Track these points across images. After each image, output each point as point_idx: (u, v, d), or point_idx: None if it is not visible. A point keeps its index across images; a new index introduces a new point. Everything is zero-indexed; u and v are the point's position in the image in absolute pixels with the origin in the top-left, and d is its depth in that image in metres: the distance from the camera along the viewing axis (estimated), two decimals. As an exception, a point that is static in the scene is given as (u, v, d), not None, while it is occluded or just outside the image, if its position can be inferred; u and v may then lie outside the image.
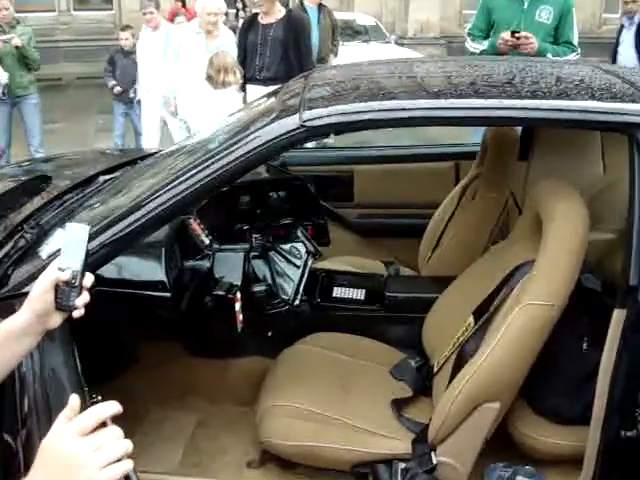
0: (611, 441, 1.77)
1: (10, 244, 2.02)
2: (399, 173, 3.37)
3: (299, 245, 2.36)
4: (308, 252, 2.37)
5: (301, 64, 5.07)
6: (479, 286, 2.24)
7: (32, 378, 1.40)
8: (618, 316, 1.71)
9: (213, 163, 1.76)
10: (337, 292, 2.63)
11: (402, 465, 2.01)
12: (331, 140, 4.91)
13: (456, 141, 3.47)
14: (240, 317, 2.07)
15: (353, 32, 10.33)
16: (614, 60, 6.10)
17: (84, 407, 1.04)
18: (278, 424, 2.12)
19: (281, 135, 1.74)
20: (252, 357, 2.62)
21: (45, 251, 1.87)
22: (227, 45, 5.00)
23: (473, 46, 4.31)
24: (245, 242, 2.32)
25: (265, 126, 1.79)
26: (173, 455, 2.32)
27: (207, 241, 2.24)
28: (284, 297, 2.17)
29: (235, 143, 1.79)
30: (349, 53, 8.07)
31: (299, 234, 2.40)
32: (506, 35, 3.90)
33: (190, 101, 4.84)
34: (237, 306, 2.05)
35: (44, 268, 1.72)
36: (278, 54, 5.07)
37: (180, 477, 2.09)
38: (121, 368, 2.25)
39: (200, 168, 1.77)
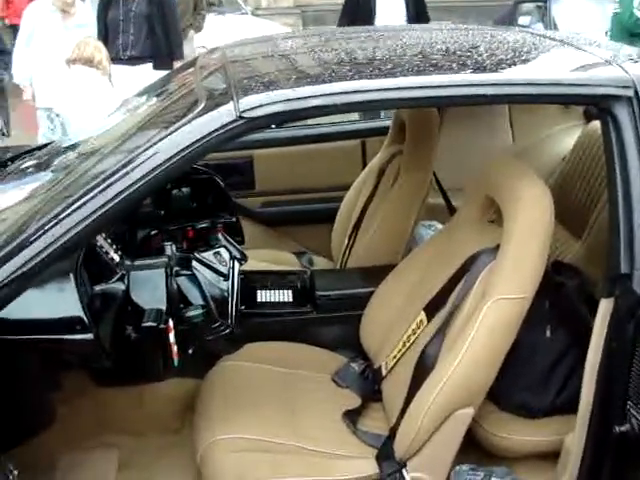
0: (601, 437, 1.64)
1: None
2: (302, 155, 3.13)
3: (222, 251, 2.05)
4: (233, 258, 2.07)
5: (169, 41, 4.69)
6: (425, 277, 2.06)
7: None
8: (605, 306, 1.57)
9: (133, 170, 1.44)
10: (262, 296, 2.36)
11: (372, 488, 1.81)
12: None
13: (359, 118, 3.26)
14: (175, 349, 1.76)
15: (206, 4, 9.86)
16: None
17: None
18: (225, 462, 1.83)
19: (215, 130, 1.44)
20: (171, 380, 2.30)
21: None
22: (87, 23, 4.52)
23: None
24: (158, 253, 1.99)
25: (193, 120, 1.48)
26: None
27: (117, 258, 1.89)
28: (222, 318, 1.86)
29: (156, 143, 1.48)
30: (206, 26, 7.64)
31: (220, 238, 2.09)
32: None
33: (52, 87, 4.33)
34: (171, 337, 1.74)
35: None
36: (143, 31, 4.67)
37: None
38: (44, 423, 1.87)
39: (116, 177, 1.44)
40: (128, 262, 1.90)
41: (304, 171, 3.11)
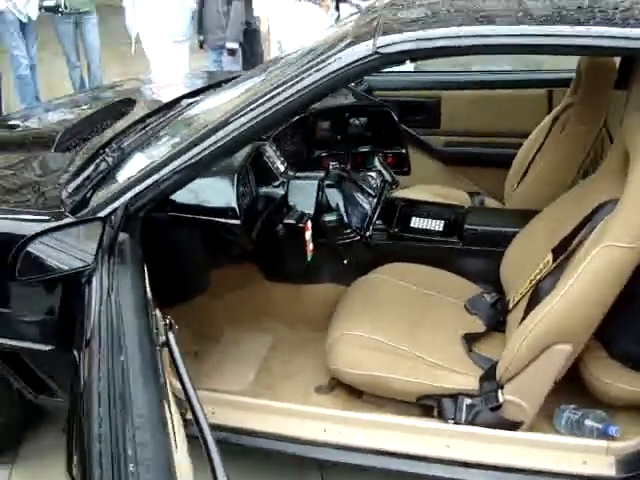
0: None
1: (91, 167, 2.08)
2: (488, 99, 3.24)
3: (375, 174, 2.31)
4: (385, 181, 2.32)
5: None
6: (561, 222, 2.15)
7: (99, 298, 1.45)
8: None
9: (287, 89, 1.73)
10: (415, 222, 2.58)
11: (468, 401, 2.00)
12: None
13: (550, 67, 3.27)
14: (310, 246, 2.07)
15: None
16: None
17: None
18: (347, 353, 2.13)
19: (354, 62, 1.68)
20: (327, 284, 2.64)
21: (122, 175, 1.91)
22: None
23: None
24: (321, 170, 2.30)
25: (339, 52, 1.73)
26: (246, 376, 2.39)
27: (282, 168, 2.23)
28: (355, 228, 2.14)
29: (309, 69, 1.75)
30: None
31: (376, 163, 2.35)
32: None
33: (282, 22, 4.75)
34: (307, 235, 2.05)
35: (120, 193, 1.78)
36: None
37: (251, 398, 2.15)
38: (195, 291, 2.31)
39: (274, 93, 1.74)
40: (291, 173, 2.23)
41: (488, 115, 3.22)
